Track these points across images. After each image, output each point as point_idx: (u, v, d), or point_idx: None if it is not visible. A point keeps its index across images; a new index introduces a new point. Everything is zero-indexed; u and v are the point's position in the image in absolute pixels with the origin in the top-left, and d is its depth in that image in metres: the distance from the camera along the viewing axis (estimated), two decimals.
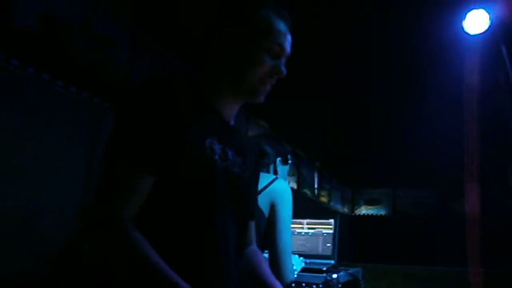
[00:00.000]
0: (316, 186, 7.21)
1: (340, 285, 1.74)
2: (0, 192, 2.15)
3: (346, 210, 8.96)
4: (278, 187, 1.59)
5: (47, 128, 2.43)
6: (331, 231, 2.09)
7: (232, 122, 1.03)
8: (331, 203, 8.03)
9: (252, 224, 1.14)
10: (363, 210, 9.21)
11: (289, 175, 1.99)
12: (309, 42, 3.32)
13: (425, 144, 5.61)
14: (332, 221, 2.12)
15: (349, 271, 1.98)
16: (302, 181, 6.49)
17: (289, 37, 1.01)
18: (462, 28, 3.09)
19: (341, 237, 2.12)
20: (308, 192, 6.83)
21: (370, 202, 9.17)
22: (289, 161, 1.88)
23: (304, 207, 6.58)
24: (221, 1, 1.03)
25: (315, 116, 5.02)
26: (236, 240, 0.97)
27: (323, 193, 7.56)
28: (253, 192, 1.11)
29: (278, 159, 1.79)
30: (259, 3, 1.00)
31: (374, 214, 9.07)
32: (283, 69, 0.99)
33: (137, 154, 0.83)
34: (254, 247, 1.13)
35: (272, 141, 1.82)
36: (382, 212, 9.02)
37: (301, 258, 1.87)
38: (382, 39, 3.38)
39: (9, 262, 2.11)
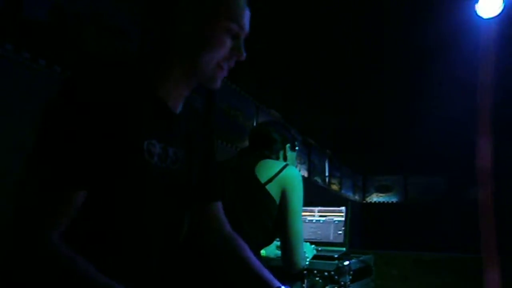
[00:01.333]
0: (327, 174, 7.20)
1: (351, 272, 1.75)
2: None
3: (357, 197, 8.95)
4: (289, 174, 1.59)
5: None
6: (342, 219, 2.10)
7: (179, 108, 0.93)
8: (342, 191, 8.02)
9: (217, 207, 1.07)
10: (374, 198, 9.18)
11: (298, 162, 1.98)
12: (319, 29, 3.29)
13: (437, 130, 5.55)
14: (343, 208, 2.13)
15: (361, 258, 1.99)
16: (313, 169, 6.48)
17: (248, 13, 0.91)
18: (475, 12, 3.03)
19: (352, 225, 2.13)
20: (319, 180, 6.83)
21: (381, 190, 9.13)
22: (297, 148, 1.88)
23: (315, 195, 6.59)
24: None
25: (326, 104, 5.00)
26: (179, 236, 0.96)
27: (334, 181, 7.55)
28: (207, 177, 1.04)
29: (288, 145, 1.80)
30: None
31: (385, 202, 9.05)
32: (243, 51, 0.90)
33: (63, 169, 0.74)
34: (229, 230, 1.07)
35: (280, 127, 1.82)
36: (394, 199, 8.99)
37: (313, 245, 1.88)
38: (394, 24, 3.33)
39: None
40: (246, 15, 0.90)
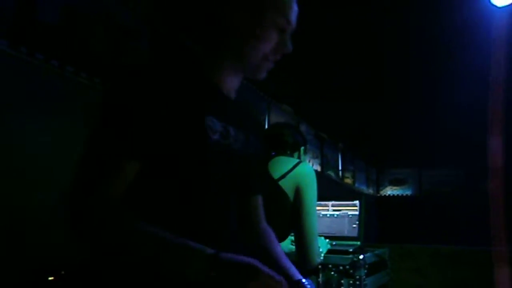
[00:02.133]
0: (340, 167, 7.17)
1: (367, 266, 1.75)
2: (31, 176, 2.23)
3: (371, 191, 8.90)
4: (302, 170, 1.60)
5: (73, 118, 2.48)
6: (357, 213, 2.09)
7: (233, 95, 0.98)
8: (356, 185, 7.98)
9: (259, 200, 1.10)
10: (389, 191, 9.12)
11: (311, 157, 1.99)
12: (330, 21, 3.26)
13: (451, 123, 5.48)
14: (357, 202, 2.12)
15: (376, 252, 1.99)
16: (325, 163, 6.46)
17: (296, 8, 0.94)
18: (489, 1, 2.98)
19: (366, 218, 2.12)
20: (332, 174, 6.80)
21: (395, 183, 9.07)
22: (307, 152, 1.94)
23: (329, 189, 6.57)
24: None
25: (338, 97, 4.97)
26: (236, 216, 0.96)
27: (347, 174, 7.52)
28: (256, 167, 1.07)
29: (302, 148, 1.82)
30: None
31: (400, 195, 8.98)
32: (290, 45, 0.93)
33: (126, 139, 0.77)
34: (264, 225, 1.10)
35: (292, 130, 1.85)
36: (408, 192, 8.91)
37: (327, 240, 1.88)
38: (406, 16, 3.29)
39: (47, 248, 2.19)
40: (294, 10, 0.93)
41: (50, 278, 1.86)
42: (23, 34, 2.20)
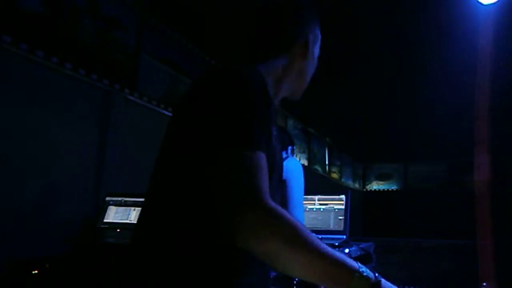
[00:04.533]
0: (327, 162, 7.21)
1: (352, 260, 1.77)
2: (14, 175, 2.20)
3: (357, 185, 8.98)
4: (289, 164, 1.61)
5: (57, 111, 2.45)
6: (343, 207, 2.11)
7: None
8: (342, 179, 8.04)
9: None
10: (375, 186, 9.21)
11: (298, 151, 2.00)
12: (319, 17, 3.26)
13: (436, 118, 5.55)
14: (343, 196, 2.14)
15: (361, 246, 2.01)
16: (312, 157, 6.49)
17: None
18: None
19: (352, 213, 2.14)
20: (319, 169, 6.85)
21: (381, 177, 9.16)
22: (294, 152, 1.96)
23: (315, 184, 6.61)
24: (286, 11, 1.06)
25: (325, 92, 4.98)
26: None
27: (334, 169, 7.57)
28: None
29: (290, 147, 1.84)
30: (315, 15, 1.09)
31: (386, 189, 9.08)
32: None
33: (260, 135, 0.80)
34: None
35: (279, 132, 1.88)
36: (394, 187, 9.02)
37: (313, 234, 1.90)
38: (393, 11, 3.31)
39: (31, 243, 2.17)
40: None
41: (34, 272, 1.85)
42: (7, 24, 2.15)
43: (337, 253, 0.75)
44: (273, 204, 0.74)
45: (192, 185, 0.82)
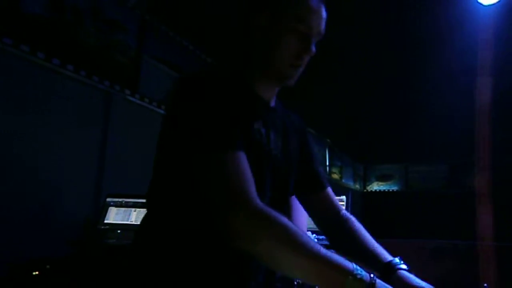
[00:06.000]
0: (327, 163, 7.21)
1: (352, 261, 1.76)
2: (15, 176, 2.20)
3: (358, 186, 8.97)
4: None
5: (58, 112, 2.46)
6: (343, 208, 2.11)
7: (273, 104, 1.01)
8: (343, 180, 8.04)
9: (330, 193, 1.14)
10: (375, 186, 9.21)
11: None
12: None
13: (437, 119, 5.55)
14: (344, 197, 2.14)
15: None
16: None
17: (322, 14, 0.94)
18: None
19: (353, 214, 2.14)
20: None
21: (382, 178, 9.15)
22: None
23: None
24: None
25: (325, 93, 4.99)
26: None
27: (334, 170, 7.56)
28: (295, 170, 1.08)
29: None
30: None
31: (386, 190, 9.07)
32: (312, 48, 0.93)
33: (230, 133, 0.79)
34: (344, 212, 1.15)
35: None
36: (394, 188, 9.01)
37: (314, 234, 1.90)
38: (393, 12, 3.31)
39: (32, 244, 2.17)
40: (318, 16, 0.93)
41: (35, 273, 1.85)
42: (8, 26, 2.16)
43: (331, 254, 0.75)
44: (257, 203, 0.74)
45: (179, 190, 0.84)
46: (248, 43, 0.96)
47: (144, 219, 0.92)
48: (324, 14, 0.94)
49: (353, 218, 1.13)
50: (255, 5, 0.94)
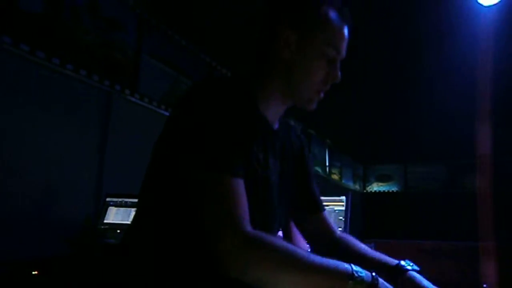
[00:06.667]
0: (327, 163, 7.20)
1: None
2: (14, 176, 2.20)
3: (357, 187, 8.97)
4: None
5: (58, 112, 2.45)
6: (343, 208, 2.11)
7: (276, 126, 0.98)
8: (343, 181, 8.03)
9: (326, 215, 1.13)
10: (375, 187, 9.20)
11: None
12: None
13: (436, 119, 5.55)
14: (343, 198, 2.13)
15: None
16: (313, 159, 6.49)
17: (346, 36, 0.92)
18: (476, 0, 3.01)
19: (353, 214, 2.14)
20: (320, 170, 6.84)
21: (381, 179, 9.14)
22: None
23: (316, 185, 6.59)
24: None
25: (325, 93, 4.98)
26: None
27: (334, 170, 7.56)
28: (295, 192, 1.07)
29: None
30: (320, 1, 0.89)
31: (386, 191, 9.07)
32: (339, 74, 0.92)
33: (230, 158, 0.76)
34: (339, 233, 1.12)
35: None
36: (394, 188, 9.00)
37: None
38: (393, 12, 3.31)
39: (31, 243, 2.17)
40: (344, 39, 0.91)
41: (34, 273, 1.84)
42: (7, 24, 2.15)
43: (328, 262, 0.73)
44: (247, 230, 0.71)
45: (171, 199, 0.81)
46: (270, 57, 0.90)
47: (134, 220, 0.90)
48: (347, 36, 0.92)
49: (349, 236, 1.10)
50: (286, 20, 0.88)
